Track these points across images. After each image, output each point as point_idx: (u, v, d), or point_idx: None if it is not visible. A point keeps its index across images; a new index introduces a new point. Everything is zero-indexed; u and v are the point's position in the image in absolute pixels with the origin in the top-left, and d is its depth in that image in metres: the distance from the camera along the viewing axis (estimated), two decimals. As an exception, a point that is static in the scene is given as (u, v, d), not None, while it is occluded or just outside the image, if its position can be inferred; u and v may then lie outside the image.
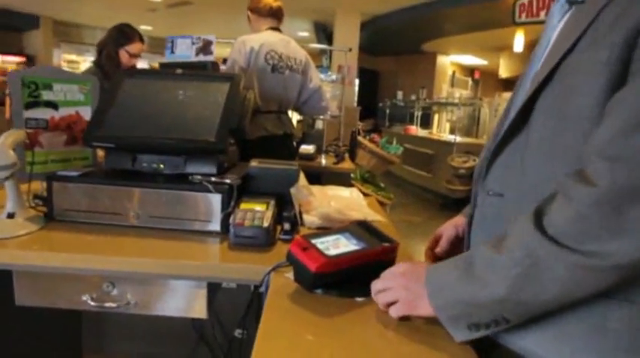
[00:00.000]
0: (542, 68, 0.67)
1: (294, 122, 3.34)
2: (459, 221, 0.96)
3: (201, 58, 1.49)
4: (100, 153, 1.32)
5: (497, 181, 0.71)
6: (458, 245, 0.95)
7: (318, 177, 2.62)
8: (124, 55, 2.63)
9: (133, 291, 1.00)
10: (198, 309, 1.01)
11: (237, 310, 1.14)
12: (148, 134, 1.17)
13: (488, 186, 0.72)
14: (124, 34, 2.64)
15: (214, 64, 1.47)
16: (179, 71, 1.33)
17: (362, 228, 0.90)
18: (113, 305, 0.99)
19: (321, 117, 2.94)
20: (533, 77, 0.69)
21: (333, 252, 0.79)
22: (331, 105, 2.79)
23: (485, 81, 11.97)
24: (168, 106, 1.23)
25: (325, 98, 2.66)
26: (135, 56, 2.67)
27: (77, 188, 1.12)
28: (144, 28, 9.16)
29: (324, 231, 0.87)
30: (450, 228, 0.95)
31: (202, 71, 1.42)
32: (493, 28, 7.42)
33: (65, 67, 9.20)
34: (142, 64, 3.15)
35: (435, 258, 0.94)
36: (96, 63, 2.63)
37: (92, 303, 0.98)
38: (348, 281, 0.83)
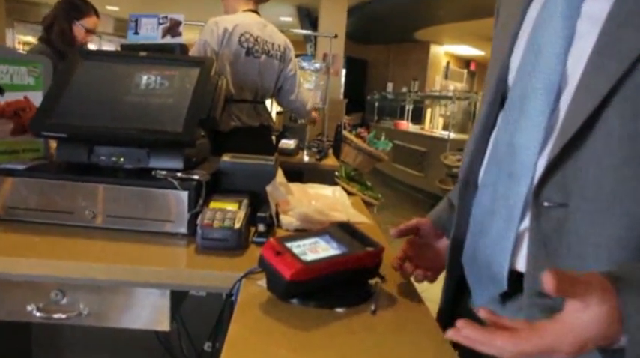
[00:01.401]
0: (608, 60, 0.62)
1: (274, 114, 3.32)
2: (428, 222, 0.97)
3: (169, 39, 1.45)
4: (53, 144, 1.28)
5: (559, 190, 0.66)
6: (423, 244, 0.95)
7: (299, 175, 2.61)
8: (79, 31, 2.56)
9: (86, 300, 0.96)
10: (160, 320, 0.98)
11: (207, 321, 1.11)
12: (106, 123, 1.14)
13: (544, 196, 0.67)
14: (77, 7, 2.57)
15: (183, 47, 1.43)
16: (143, 54, 1.30)
17: (343, 231, 0.88)
18: (63, 316, 0.95)
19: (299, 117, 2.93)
20: (594, 71, 0.64)
21: (310, 257, 0.77)
22: (306, 99, 2.70)
23: (482, 73, 12.10)
24: (130, 93, 1.20)
25: (297, 91, 2.58)
26: (91, 32, 2.60)
27: (23, 183, 1.08)
28: (110, 8, 9.01)
29: (300, 233, 0.85)
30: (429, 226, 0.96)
31: (169, 54, 1.38)
32: (491, 16, 7.47)
33: (21, 49, 8.99)
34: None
35: (404, 261, 0.92)
36: (45, 40, 2.54)
37: (38, 314, 0.95)
38: (327, 290, 0.81)
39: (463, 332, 0.56)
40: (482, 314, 0.58)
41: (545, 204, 0.66)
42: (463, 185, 0.83)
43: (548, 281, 0.50)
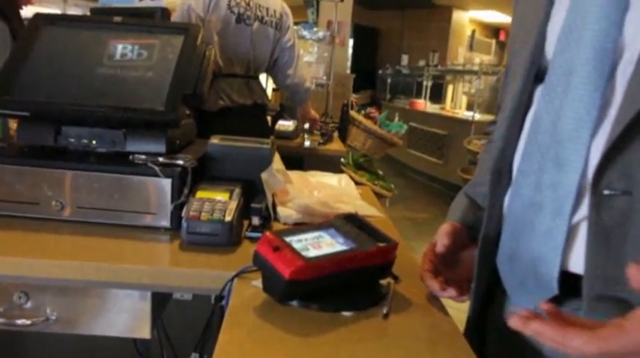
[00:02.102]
0: None
1: (269, 91, 3.32)
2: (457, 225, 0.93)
3: (148, 2, 1.45)
4: (13, 124, 1.29)
5: (622, 176, 0.66)
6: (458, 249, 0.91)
7: (299, 162, 2.61)
8: None
9: (54, 304, 0.97)
10: (140, 327, 0.99)
11: (193, 328, 1.12)
12: (75, 100, 1.14)
13: (604, 184, 0.67)
14: None
15: (164, 12, 1.44)
16: (117, 19, 1.30)
17: (351, 224, 0.89)
18: (27, 322, 0.96)
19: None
20: None
21: (312, 253, 0.78)
22: (306, 76, 2.68)
23: (513, 44, 11.99)
24: (103, 64, 1.21)
25: (296, 64, 2.57)
26: None
27: (-20, 169, 1.09)
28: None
29: (301, 226, 0.86)
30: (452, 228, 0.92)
31: (148, 20, 1.38)
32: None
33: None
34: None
35: (435, 270, 0.89)
36: None
37: (-2, 320, 0.96)
38: (332, 291, 0.81)
39: (532, 325, 0.56)
40: (544, 307, 0.58)
41: (606, 192, 0.66)
42: (495, 175, 0.83)
43: (635, 275, 0.51)
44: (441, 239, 0.89)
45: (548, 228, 0.72)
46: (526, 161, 0.78)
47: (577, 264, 0.70)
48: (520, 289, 0.79)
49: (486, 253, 0.85)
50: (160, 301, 1.04)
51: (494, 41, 12.21)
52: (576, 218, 0.70)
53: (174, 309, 1.29)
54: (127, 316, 0.99)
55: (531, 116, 0.79)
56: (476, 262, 0.86)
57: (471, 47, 11.38)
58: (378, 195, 2.17)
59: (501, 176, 0.83)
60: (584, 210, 0.69)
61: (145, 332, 0.99)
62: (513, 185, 0.80)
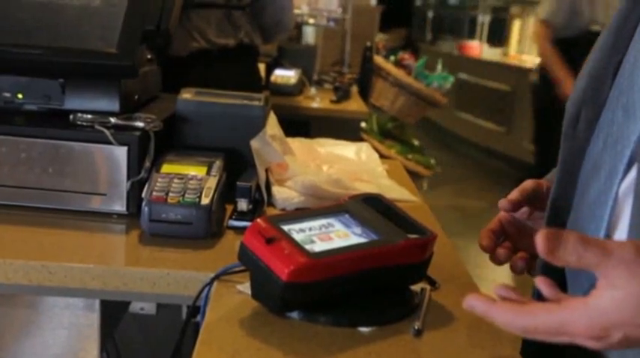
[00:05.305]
0: None
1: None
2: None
3: None
4: None
5: None
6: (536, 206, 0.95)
7: (304, 126, 2.61)
8: None
9: (-32, 316, 1.00)
10: (85, 349, 1.01)
11: (158, 349, 1.14)
12: (-5, 39, 1.15)
13: None
14: None
15: None
16: None
17: (373, 208, 0.90)
18: None
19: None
20: None
21: (319, 246, 0.79)
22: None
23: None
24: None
25: None
26: None
27: None
28: None
29: (304, 211, 0.87)
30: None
31: None
32: None
33: None
34: None
35: (501, 232, 0.92)
36: None
37: None
38: (346, 298, 0.83)
39: (466, 301, 0.62)
40: (498, 289, 0.63)
41: None
42: (572, 122, 0.84)
43: (540, 240, 0.56)
44: (512, 193, 0.92)
45: (598, 194, 0.75)
46: (607, 111, 0.79)
47: (622, 239, 0.71)
48: (572, 276, 0.81)
49: (555, 223, 0.86)
50: (113, 313, 1.05)
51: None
52: (626, 182, 0.71)
53: (131, 326, 1.30)
54: (66, 333, 1.00)
55: (632, 49, 0.79)
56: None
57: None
58: (413, 174, 2.17)
59: (580, 125, 0.84)
60: (633, 172, 0.70)
61: (90, 355, 1.01)
62: (591, 140, 0.82)
